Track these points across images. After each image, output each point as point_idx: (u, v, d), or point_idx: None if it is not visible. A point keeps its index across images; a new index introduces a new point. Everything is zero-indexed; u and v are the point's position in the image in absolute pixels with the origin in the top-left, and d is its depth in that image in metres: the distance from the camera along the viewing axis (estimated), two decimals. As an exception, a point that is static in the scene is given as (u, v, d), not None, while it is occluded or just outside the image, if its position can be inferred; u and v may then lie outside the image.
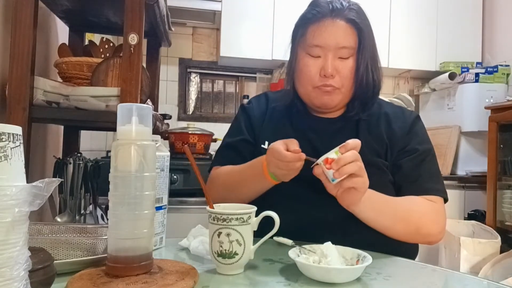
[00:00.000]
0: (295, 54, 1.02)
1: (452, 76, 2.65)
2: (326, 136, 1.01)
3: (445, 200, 0.98)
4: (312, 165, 0.83)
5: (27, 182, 0.43)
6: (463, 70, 2.75)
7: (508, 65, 2.70)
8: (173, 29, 1.78)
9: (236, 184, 0.99)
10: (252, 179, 0.94)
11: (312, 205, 0.94)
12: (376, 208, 0.89)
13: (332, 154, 0.79)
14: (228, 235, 0.66)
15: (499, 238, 2.01)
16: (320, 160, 0.80)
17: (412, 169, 0.98)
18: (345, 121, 1.03)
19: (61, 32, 1.60)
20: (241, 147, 1.07)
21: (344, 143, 0.80)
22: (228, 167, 1.04)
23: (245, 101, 2.91)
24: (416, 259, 0.99)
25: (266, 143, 1.01)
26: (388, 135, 1.01)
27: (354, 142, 0.81)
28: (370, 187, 0.86)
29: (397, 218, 0.91)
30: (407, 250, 0.96)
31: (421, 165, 0.98)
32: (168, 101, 2.92)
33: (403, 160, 0.99)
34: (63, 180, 1.19)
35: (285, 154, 0.81)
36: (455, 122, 2.69)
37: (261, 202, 0.82)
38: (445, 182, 1.01)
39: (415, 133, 1.02)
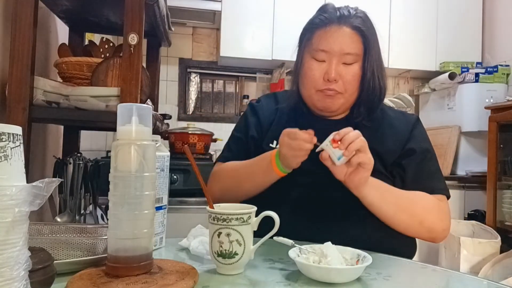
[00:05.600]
0: (301, 57, 1.04)
1: (452, 76, 2.65)
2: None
3: (447, 197, 1.00)
4: (317, 149, 0.86)
5: (27, 182, 0.43)
6: (463, 70, 2.75)
7: (508, 65, 2.71)
8: (173, 29, 1.78)
9: (239, 178, 1.00)
10: (257, 172, 0.96)
11: (311, 204, 0.95)
12: (381, 194, 0.92)
13: (335, 137, 0.85)
14: (228, 235, 0.66)
15: (499, 238, 2.01)
16: (327, 141, 0.85)
17: (413, 170, 1.00)
18: (349, 124, 1.03)
19: (61, 32, 1.60)
20: (249, 143, 1.08)
21: (338, 131, 0.85)
22: (233, 162, 1.06)
23: (246, 101, 2.93)
24: (416, 259, 0.99)
25: (275, 142, 1.03)
26: (391, 137, 1.02)
27: (348, 129, 0.85)
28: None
29: (400, 207, 0.93)
30: (404, 247, 0.97)
31: (422, 165, 1.00)
32: (168, 101, 2.92)
33: (404, 161, 1.00)
34: (63, 180, 1.19)
35: (299, 132, 0.85)
36: (455, 122, 2.69)
37: (261, 202, 0.82)
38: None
39: (415, 134, 1.05)
